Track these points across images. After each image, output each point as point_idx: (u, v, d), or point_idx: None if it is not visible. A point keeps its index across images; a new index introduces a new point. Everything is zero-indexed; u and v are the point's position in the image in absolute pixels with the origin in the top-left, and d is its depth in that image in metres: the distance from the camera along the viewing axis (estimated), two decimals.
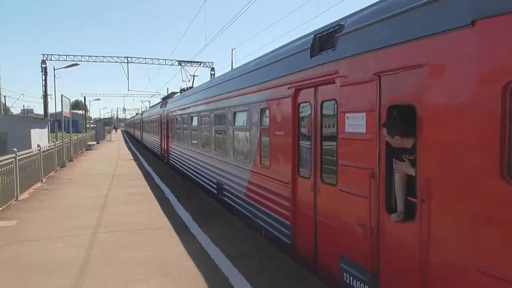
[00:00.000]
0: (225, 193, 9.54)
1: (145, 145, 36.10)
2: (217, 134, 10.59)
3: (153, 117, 28.38)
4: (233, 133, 8.87)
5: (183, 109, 15.42)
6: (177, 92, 22.78)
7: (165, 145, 21.11)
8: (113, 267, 5.74)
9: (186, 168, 14.94)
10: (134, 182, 14.00)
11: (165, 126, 21.10)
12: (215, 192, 10.45)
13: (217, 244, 6.73)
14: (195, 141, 13.31)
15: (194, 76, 23.06)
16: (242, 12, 35.23)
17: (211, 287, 5.06)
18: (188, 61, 24.83)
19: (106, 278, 5.36)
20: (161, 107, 23.22)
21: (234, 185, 8.80)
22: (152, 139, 29.94)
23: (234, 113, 8.77)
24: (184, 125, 15.26)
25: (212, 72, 46.03)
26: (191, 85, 21.73)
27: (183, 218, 8.65)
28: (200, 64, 24.20)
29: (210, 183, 11.10)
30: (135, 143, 42.12)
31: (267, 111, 6.80)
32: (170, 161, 19.37)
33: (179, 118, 16.69)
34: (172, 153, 18.74)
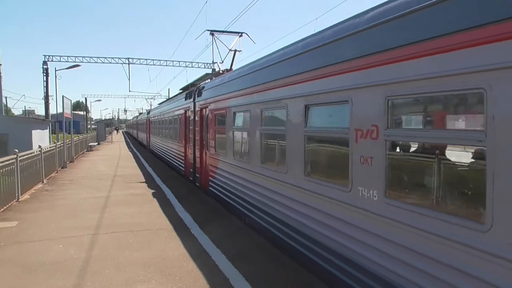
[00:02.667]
0: None
1: (154, 151, 28.52)
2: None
3: (169, 115, 20.18)
4: None
5: (265, 91, 7.09)
6: (208, 75, 15.36)
7: (198, 159, 12.97)
8: (113, 268, 5.74)
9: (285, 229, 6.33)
10: (135, 183, 14.00)
11: (197, 128, 13.14)
12: None
13: (218, 245, 6.73)
14: (319, 167, 5.81)
15: (235, 51, 15.20)
16: (242, 13, 35.25)
17: None
18: (222, 31, 16.11)
19: (107, 278, 5.36)
20: (188, 99, 14.89)
21: None
22: (166, 146, 21.29)
23: None
24: (267, 128, 7.30)
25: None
26: (230, 67, 14.35)
27: (184, 219, 8.65)
28: (241, 35, 15.58)
29: None
30: (138, 146, 41.87)
31: None
32: (214, 189, 10.80)
33: (244, 114, 8.38)
34: (221, 177, 10.12)
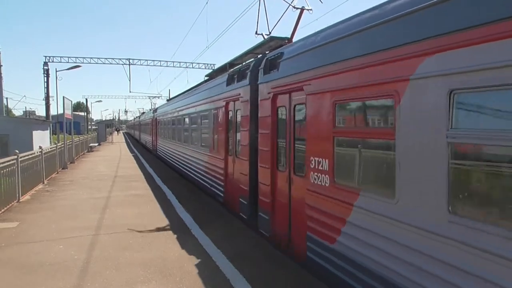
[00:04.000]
0: None
1: (163, 158, 22.61)
2: None
3: (191, 111, 14.15)
4: None
5: None
6: (275, 39, 8.53)
7: (267, 188, 7.06)
8: (114, 269, 5.74)
9: None
10: (136, 184, 14.00)
11: (263, 131, 7.26)
12: None
13: (218, 245, 6.72)
14: None
15: (301, 9, 8.86)
16: (243, 14, 35.22)
17: None
18: None
19: (107, 279, 5.35)
20: (236, 81, 9.07)
21: None
22: (185, 154, 15.30)
23: None
24: None
25: None
26: (291, 35, 8.31)
27: (184, 219, 8.65)
28: None
29: None
30: (139, 147, 41.77)
31: None
32: (341, 270, 4.61)
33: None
34: (380, 256, 3.95)
